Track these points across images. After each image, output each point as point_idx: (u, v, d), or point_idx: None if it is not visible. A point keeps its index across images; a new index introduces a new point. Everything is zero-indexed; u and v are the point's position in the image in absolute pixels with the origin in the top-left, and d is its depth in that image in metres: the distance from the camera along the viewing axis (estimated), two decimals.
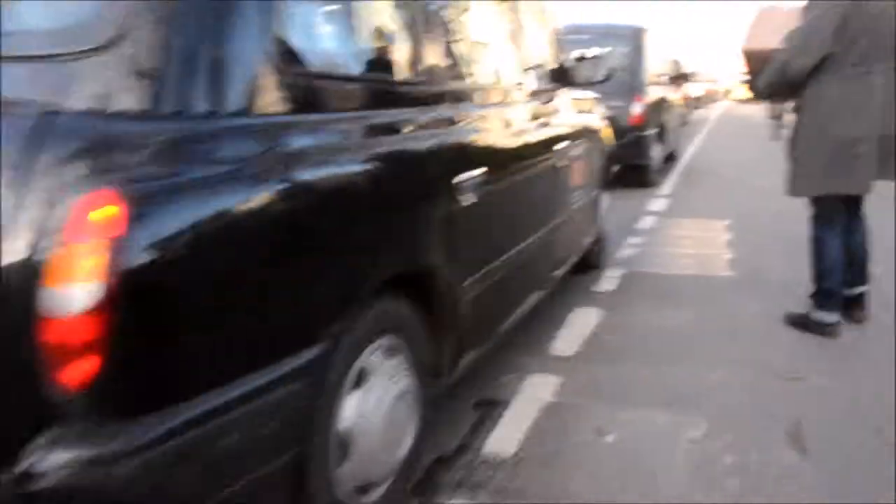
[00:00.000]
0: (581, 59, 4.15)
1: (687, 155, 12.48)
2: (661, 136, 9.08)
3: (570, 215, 3.88)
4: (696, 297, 4.42)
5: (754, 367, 3.32)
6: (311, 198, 1.69)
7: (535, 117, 3.36)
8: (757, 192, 7.86)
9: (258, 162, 1.55)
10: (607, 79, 4.20)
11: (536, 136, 3.30)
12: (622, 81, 8.29)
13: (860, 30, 3.48)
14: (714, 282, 4.76)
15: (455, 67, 2.62)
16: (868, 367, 3.31)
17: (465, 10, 2.84)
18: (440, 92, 2.46)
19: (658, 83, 9.34)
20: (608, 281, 4.78)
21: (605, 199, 4.98)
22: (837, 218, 3.77)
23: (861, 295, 3.91)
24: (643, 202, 7.64)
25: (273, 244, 1.57)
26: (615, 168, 8.80)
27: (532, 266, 3.29)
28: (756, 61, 3.84)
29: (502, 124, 2.95)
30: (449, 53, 2.56)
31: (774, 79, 3.71)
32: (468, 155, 2.51)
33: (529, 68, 3.59)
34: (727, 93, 45.88)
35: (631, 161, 8.37)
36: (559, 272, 3.84)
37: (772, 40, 3.59)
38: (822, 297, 3.77)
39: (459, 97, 2.63)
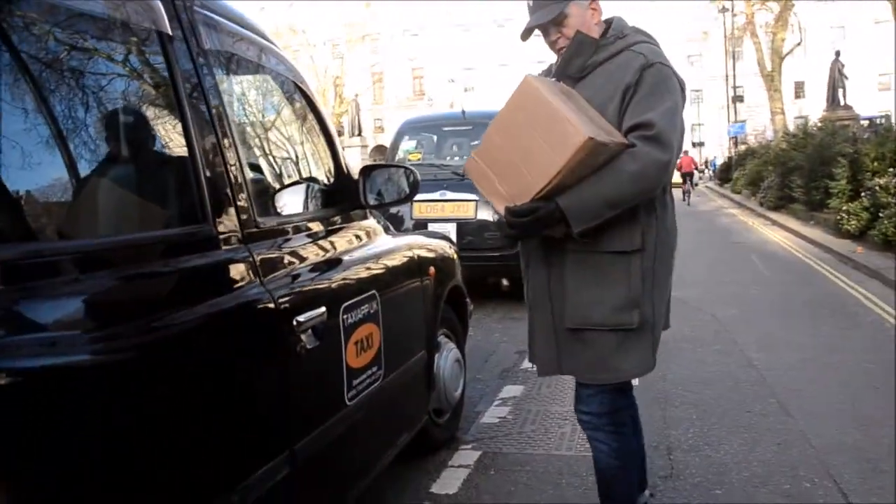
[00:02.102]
0: (373, 168, 2.82)
1: None
2: None
3: (362, 407, 2.48)
4: None
5: None
6: None
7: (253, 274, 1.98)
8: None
9: None
10: (411, 195, 2.86)
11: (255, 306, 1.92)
12: None
13: None
14: None
15: None
16: None
17: None
18: None
19: None
20: (452, 475, 3.34)
21: (451, 354, 3.59)
22: None
23: None
24: None
25: None
26: (505, 283, 7.70)
27: None
28: (585, 164, 2.10)
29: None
30: None
31: (629, 192, 2.17)
32: None
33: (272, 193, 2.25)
34: None
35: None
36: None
37: (599, 130, 2.10)
38: None
39: None
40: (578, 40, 2.29)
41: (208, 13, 2.07)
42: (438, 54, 58.09)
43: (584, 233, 2.18)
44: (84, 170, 1.70)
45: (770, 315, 6.68)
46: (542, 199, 2.15)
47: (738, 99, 39.46)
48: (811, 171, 14.77)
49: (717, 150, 58.97)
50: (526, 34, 2.39)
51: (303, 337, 2.09)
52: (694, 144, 66.48)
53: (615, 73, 2.25)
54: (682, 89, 2.30)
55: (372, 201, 2.78)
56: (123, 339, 1.52)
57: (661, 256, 2.31)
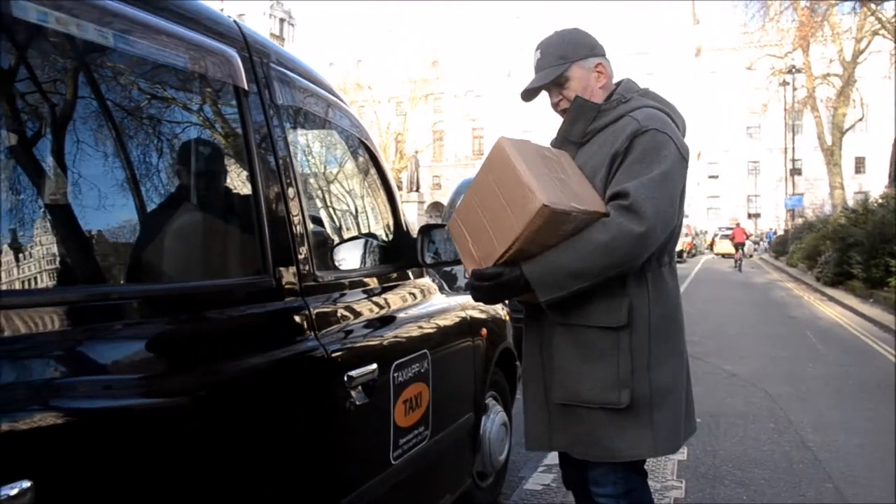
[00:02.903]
0: (432, 227, 2.83)
1: None
2: None
3: (407, 467, 2.45)
4: None
5: None
6: None
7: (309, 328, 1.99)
8: (725, 382, 6.46)
9: None
10: None
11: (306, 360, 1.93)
12: None
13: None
14: None
15: None
16: None
17: None
18: None
19: None
20: None
21: (498, 418, 3.54)
22: None
23: None
24: None
25: None
26: None
27: None
28: (547, 232, 2.00)
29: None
30: None
31: (596, 264, 2.01)
32: None
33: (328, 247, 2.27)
34: (711, 245, 45.74)
35: None
36: None
37: (564, 197, 2.00)
38: None
39: None
40: (577, 105, 2.22)
41: (283, 69, 2.14)
42: (498, 116, 58.80)
43: (554, 303, 2.08)
44: (153, 215, 1.74)
45: (826, 394, 6.47)
46: (507, 265, 2.07)
47: (796, 172, 39.01)
48: (871, 247, 14.45)
49: (774, 222, 58.25)
50: (526, 95, 2.32)
51: (353, 393, 2.09)
52: (749, 215, 65.82)
53: (608, 140, 2.15)
54: (684, 157, 2.15)
55: (429, 260, 2.79)
56: (178, 386, 1.53)
57: (659, 332, 2.15)
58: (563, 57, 2.24)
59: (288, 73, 2.17)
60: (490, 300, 2.29)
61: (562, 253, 2.03)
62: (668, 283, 2.22)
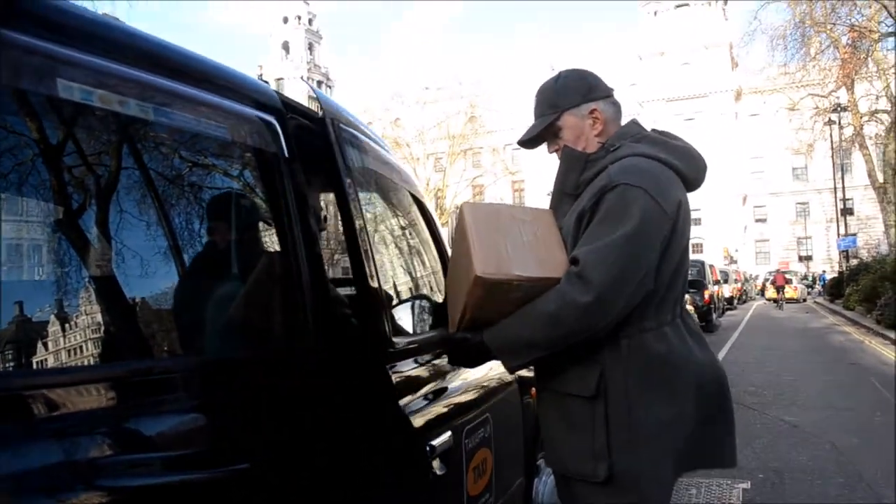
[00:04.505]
0: None
1: None
2: None
3: None
4: None
5: None
6: None
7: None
8: (787, 434, 6.22)
9: None
10: None
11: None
12: None
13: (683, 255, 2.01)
14: None
15: None
16: None
17: None
18: None
19: None
20: None
21: (551, 480, 3.39)
22: None
23: None
24: None
25: None
26: None
27: None
28: (493, 300, 1.91)
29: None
30: None
31: (547, 335, 1.87)
32: None
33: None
34: (762, 290, 44.90)
35: None
36: None
37: (506, 265, 1.89)
38: None
39: None
40: (565, 155, 2.09)
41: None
42: (538, 167, 59.08)
43: (530, 367, 2.07)
44: (204, 286, 1.71)
45: None
46: (472, 330, 1.99)
47: (847, 212, 38.25)
48: None
49: (826, 264, 57.08)
50: (524, 145, 2.23)
51: (434, 464, 2.06)
52: (800, 258, 64.64)
53: (584, 196, 1.99)
54: (665, 211, 1.88)
55: None
56: (235, 461, 1.47)
57: (642, 405, 1.90)
58: (554, 106, 2.13)
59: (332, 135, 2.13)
60: (462, 365, 2.25)
61: (515, 321, 1.92)
62: (654, 349, 1.94)
